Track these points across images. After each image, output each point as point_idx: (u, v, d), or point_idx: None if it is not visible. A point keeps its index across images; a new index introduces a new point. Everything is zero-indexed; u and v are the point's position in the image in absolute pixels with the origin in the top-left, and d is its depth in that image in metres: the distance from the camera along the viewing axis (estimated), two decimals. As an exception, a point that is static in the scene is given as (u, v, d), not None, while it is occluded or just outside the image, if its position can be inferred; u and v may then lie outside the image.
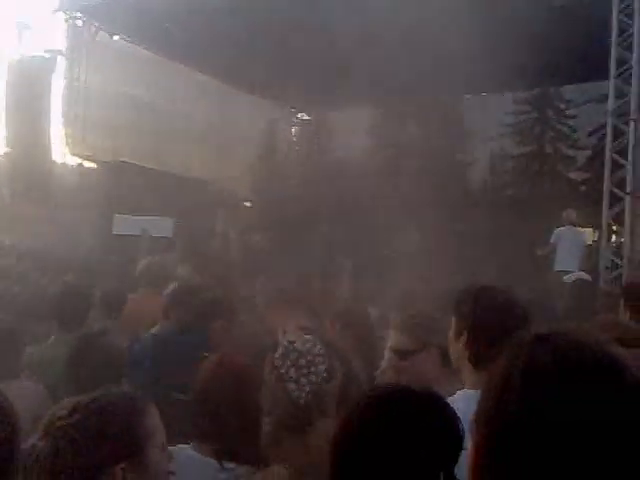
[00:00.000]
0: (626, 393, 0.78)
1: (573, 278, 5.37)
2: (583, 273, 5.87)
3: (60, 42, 12.68)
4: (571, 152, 13.27)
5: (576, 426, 0.77)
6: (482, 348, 1.93)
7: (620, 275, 7.23)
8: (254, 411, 2.16)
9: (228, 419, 2.11)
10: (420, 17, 9.64)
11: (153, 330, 3.60)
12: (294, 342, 2.49)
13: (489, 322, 1.99)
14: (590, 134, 12.13)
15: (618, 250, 7.49)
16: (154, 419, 1.51)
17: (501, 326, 1.88)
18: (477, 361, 1.96)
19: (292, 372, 2.42)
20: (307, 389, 2.36)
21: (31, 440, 1.36)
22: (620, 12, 7.73)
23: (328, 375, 2.46)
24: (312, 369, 2.43)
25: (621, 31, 7.74)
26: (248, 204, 14.88)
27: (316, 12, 10.01)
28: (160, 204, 9.50)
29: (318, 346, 2.51)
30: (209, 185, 12.88)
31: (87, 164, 11.64)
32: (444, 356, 2.55)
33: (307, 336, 2.59)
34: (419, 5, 9.36)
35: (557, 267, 7.75)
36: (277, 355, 2.46)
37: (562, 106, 13.52)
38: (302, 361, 2.45)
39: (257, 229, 12.49)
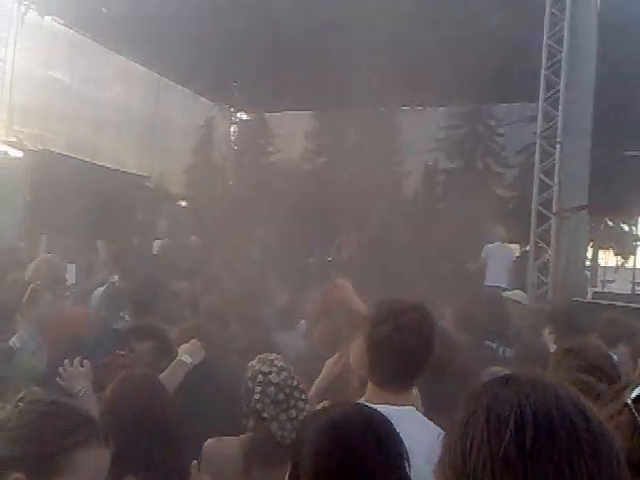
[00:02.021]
0: (583, 442, 0.79)
1: (508, 295, 5.59)
2: (519, 292, 6.11)
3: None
4: (500, 169, 13.83)
5: (536, 472, 0.77)
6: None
7: (546, 292, 7.61)
8: (165, 421, 2.09)
9: (142, 434, 2.01)
10: (362, 29, 9.78)
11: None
12: (269, 373, 2.35)
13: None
14: (518, 153, 12.69)
15: (544, 267, 7.85)
16: (90, 459, 1.39)
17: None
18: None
19: (271, 410, 2.28)
20: (288, 426, 2.22)
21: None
22: (549, 38, 8.08)
23: (304, 404, 2.35)
24: (292, 403, 2.30)
25: (550, 56, 8.09)
26: (184, 204, 14.53)
27: (261, 12, 9.94)
28: (92, 198, 9.10)
29: (294, 377, 2.38)
30: (145, 181, 12.46)
31: (12, 152, 10.98)
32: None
33: (278, 362, 2.46)
34: (361, 17, 9.48)
35: (488, 282, 8.12)
36: (257, 396, 2.31)
37: (493, 123, 14.07)
38: (281, 396, 2.31)
39: (193, 230, 12.19)
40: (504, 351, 4.13)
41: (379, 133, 14.07)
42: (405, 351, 1.86)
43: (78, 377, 2.61)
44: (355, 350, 2.55)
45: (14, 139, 11.23)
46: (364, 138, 14.39)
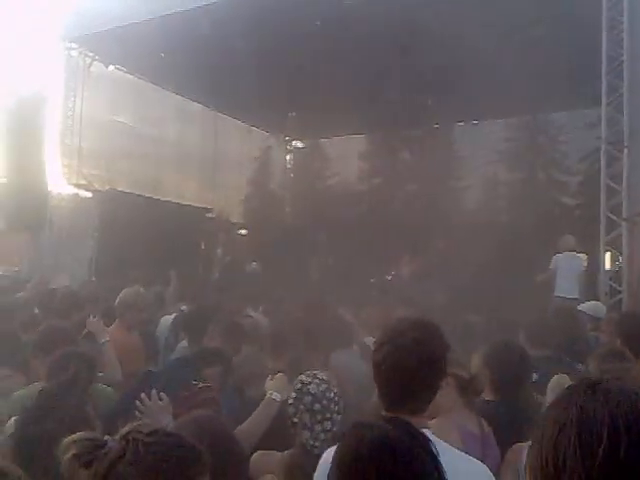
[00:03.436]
0: None
1: (583, 308, 5.38)
2: (596, 303, 5.85)
3: (58, 72, 12.71)
4: (563, 177, 13.43)
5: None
6: None
7: (620, 300, 7.26)
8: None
9: None
10: (412, 47, 9.82)
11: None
12: (308, 384, 2.37)
13: None
14: (581, 160, 12.29)
15: (616, 276, 7.51)
16: None
17: None
18: None
19: (306, 418, 2.29)
20: (322, 437, 2.22)
21: (109, 438, 1.39)
22: (609, 41, 7.85)
23: (339, 416, 2.34)
24: (327, 415, 2.30)
25: (611, 59, 7.85)
26: (244, 232, 14.86)
27: (310, 43, 10.15)
28: (157, 231, 9.45)
29: (333, 389, 2.39)
30: (207, 212, 12.86)
31: (83, 194, 11.60)
32: (461, 387, 2.54)
33: (321, 375, 2.48)
34: (410, 37, 9.52)
35: (557, 293, 7.84)
36: (290, 400, 2.34)
37: (553, 132, 13.73)
38: (317, 406, 2.30)
39: (253, 257, 12.44)
40: (578, 366, 3.95)
41: (434, 149, 13.99)
42: (405, 371, 1.78)
43: (160, 411, 2.56)
44: None
45: (84, 181, 11.86)
46: (419, 156, 14.33)
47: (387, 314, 4.40)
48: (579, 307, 5.75)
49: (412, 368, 1.78)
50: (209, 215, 13.08)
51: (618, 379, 0.88)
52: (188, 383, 2.93)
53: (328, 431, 2.25)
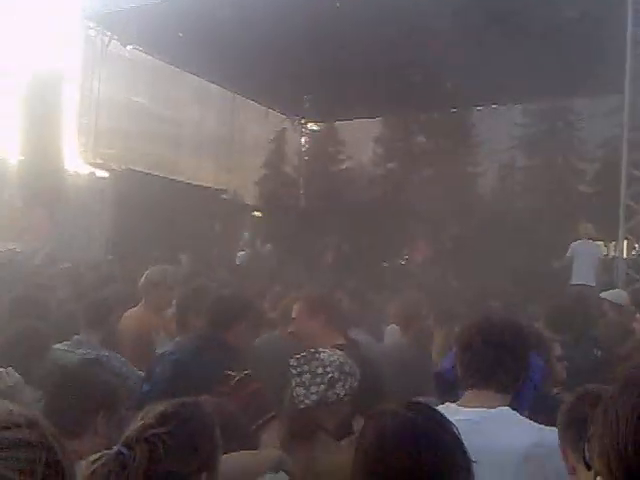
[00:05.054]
0: None
1: (605, 295, 5.34)
2: (619, 291, 5.78)
3: (76, 51, 12.72)
4: (581, 165, 13.27)
5: None
6: None
7: (637, 289, 7.17)
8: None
9: None
10: (432, 30, 9.68)
11: (171, 349, 3.13)
12: (322, 352, 2.39)
13: None
14: (600, 147, 12.12)
15: (634, 263, 7.43)
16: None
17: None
18: None
19: (305, 377, 2.31)
20: (314, 398, 2.24)
21: (115, 448, 1.36)
22: (634, 25, 7.68)
23: (345, 395, 2.34)
24: (326, 380, 2.32)
25: (635, 43, 7.69)
26: (258, 214, 14.88)
27: (328, 25, 10.05)
28: (172, 212, 9.49)
29: (347, 361, 2.40)
30: (221, 194, 12.89)
31: (99, 173, 11.68)
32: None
33: (339, 352, 2.49)
34: (432, 18, 9.37)
35: (574, 280, 7.76)
36: (297, 355, 2.36)
37: (572, 118, 13.53)
38: (320, 370, 2.32)
39: (268, 239, 12.46)
40: (596, 352, 3.92)
41: (451, 134, 13.87)
42: (498, 343, 1.81)
43: None
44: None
45: (100, 161, 11.91)
46: (436, 140, 14.23)
47: (416, 304, 4.39)
48: (601, 295, 5.69)
49: (504, 340, 1.83)
50: (224, 196, 13.10)
51: None
52: (222, 371, 2.65)
53: (320, 394, 2.27)
